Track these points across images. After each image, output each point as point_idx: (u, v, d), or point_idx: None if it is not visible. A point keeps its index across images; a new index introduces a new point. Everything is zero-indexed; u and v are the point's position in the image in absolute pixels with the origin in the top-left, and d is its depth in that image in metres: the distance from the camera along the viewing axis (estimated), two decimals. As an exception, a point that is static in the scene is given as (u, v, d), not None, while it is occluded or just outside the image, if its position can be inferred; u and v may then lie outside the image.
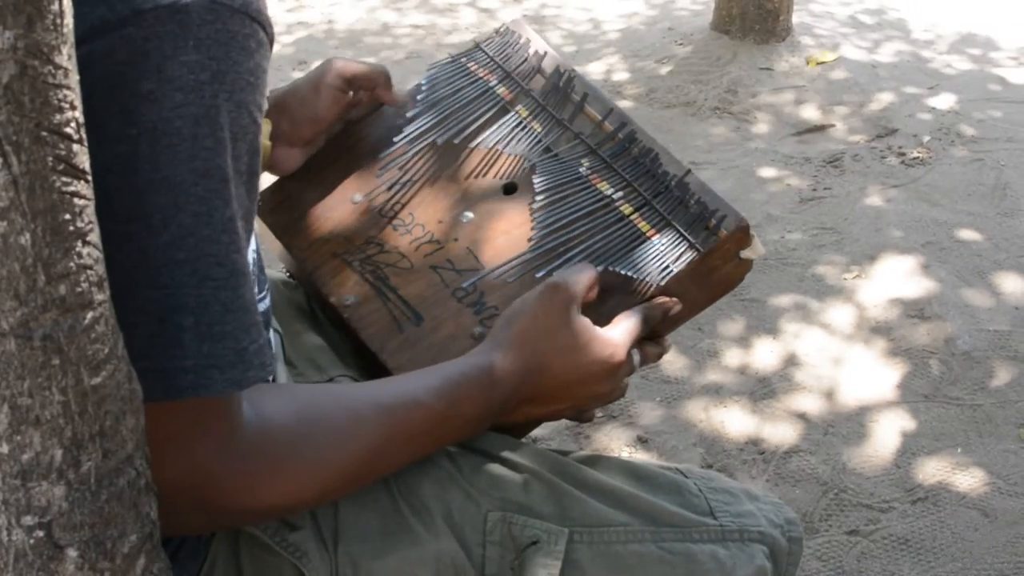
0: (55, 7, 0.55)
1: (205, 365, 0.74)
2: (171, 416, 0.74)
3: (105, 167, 0.70)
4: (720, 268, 1.10)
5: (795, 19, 4.30)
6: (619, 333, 1.01)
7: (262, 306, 0.98)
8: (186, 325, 0.73)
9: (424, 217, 1.17)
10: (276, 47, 4.53)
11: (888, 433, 2.23)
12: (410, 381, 0.94)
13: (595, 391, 1.02)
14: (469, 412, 0.94)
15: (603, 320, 1.03)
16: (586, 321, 1.00)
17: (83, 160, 0.59)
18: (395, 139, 1.22)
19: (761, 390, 2.36)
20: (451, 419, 0.93)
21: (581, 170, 1.15)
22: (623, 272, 1.07)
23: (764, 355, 2.48)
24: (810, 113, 3.76)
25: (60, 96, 0.57)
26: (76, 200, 0.59)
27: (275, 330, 1.09)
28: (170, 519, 0.75)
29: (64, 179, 0.58)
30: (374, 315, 1.11)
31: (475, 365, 0.96)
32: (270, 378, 1.00)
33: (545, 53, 1.26)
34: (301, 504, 0.86)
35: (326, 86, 1.19)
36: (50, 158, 0.56)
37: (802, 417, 2.28)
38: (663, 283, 1.06)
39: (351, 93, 1.22)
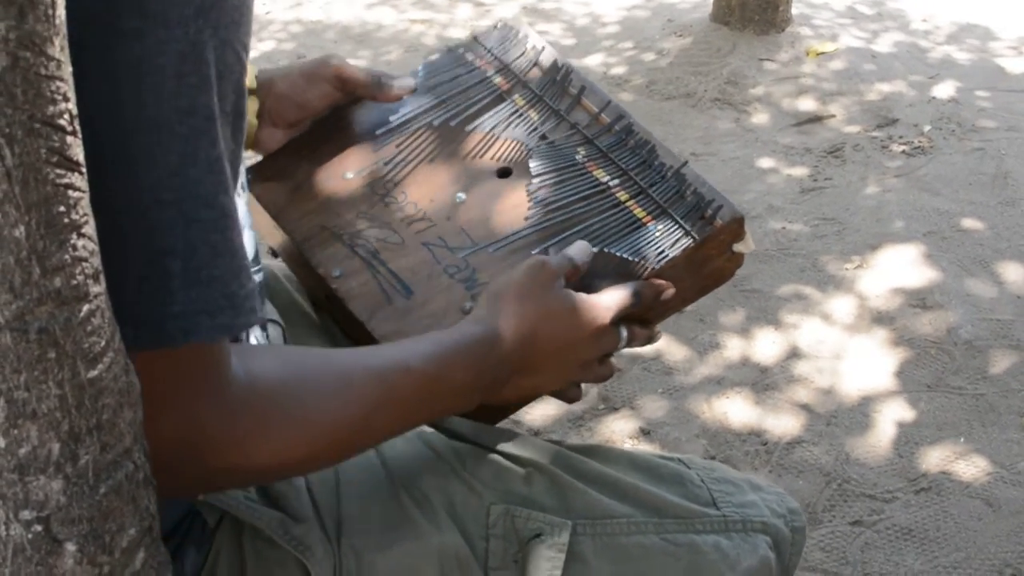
0: (47, -3, 0.54)
1: (194, 311, 0.71)
2: (160, 366, 0.71)
3: (89, 109, 0.66)
4: (713, 259, 1.10)
5: (794, 10, 4.30)
6: (605, 299, 1.01)
7: (257, 277, 0.97)
8: (174, 270, 0.71)
9: (417, 196, 1.17)
10: (274, 43, 4.53)
11: (891, 423, 2.23)
12: (402, 347, 0.92)
13: (581, 357, 1.00)
14: (461, 380, 0.92)
15: None
16: (570, 291, 0.99)
17: (77, 152, 0.59)
18: (391, 118, 1.22)
19: (763, 381, 2.36)
20: (443, 387, 0.91)
21: (577, 158, 1.15)
22: (619, 254, 1.07)
23: (766, 346, 2.48)
24: (810, 104, 3.76)
25: (53, 88, 0.56)
26: (70, 192, 0.58)
27: (277, 323, 1.09)
28: (159, 478, 0.73)
29: (58, 171, 0.57)
30: (363, 287, 1.10)
31: (467, 334, 0.94)
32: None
33: (543, 48, 1.26)
34: (290, 465, 0.83)
35: (320, 79, 1.19)
36: (43, 150, 0.56)
37: (804, 408, 2.28)
38: (659, 266, 1.06)
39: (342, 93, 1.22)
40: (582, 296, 0.99)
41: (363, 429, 0.86)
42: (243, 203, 0.91)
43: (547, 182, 1.14)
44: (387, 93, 1.22)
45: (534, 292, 0.97)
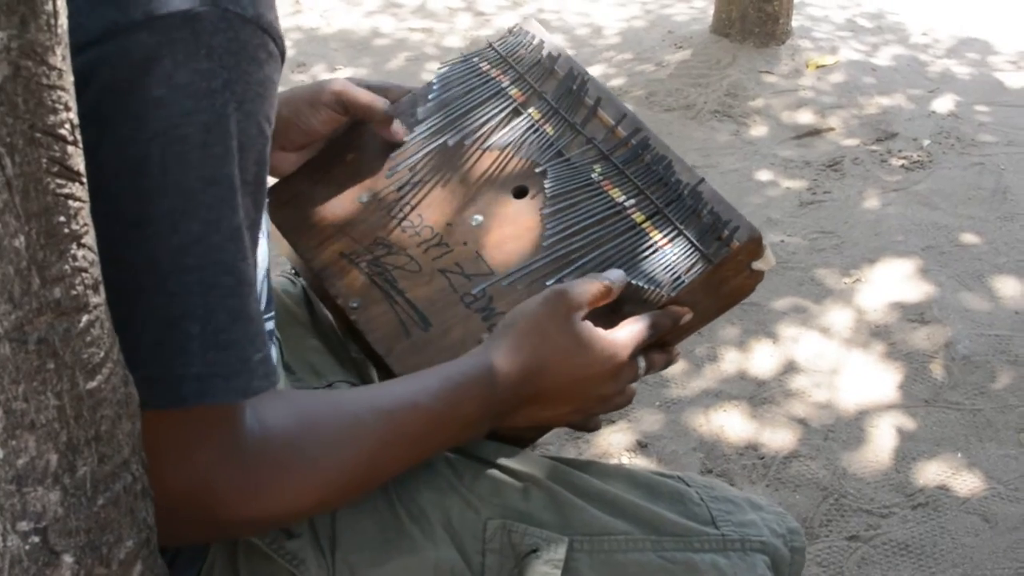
0: (49, 7, 0.54)
1: (210, 373, 0.74)
2: (174, 424, 0.73)
3: (114, 171, 0.70)
4: (731, 279, 1.09)
5: (794, 23, 4.30)
6: (623, 335, 1.00)
7: (269, 325, 0.97)
8: (193, 332, 0.73)
9: (433, 219, 1.15)
10: (274, 50, 4.52)
11: (888, 438, 2.23)
12: (408, 383, 0.93)
13: (599, 393, 1.00)
14: (470, 412, 0.93)
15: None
16: (588, 324, 0.98)
17: (77, 162, 0.59)
18: (405, 139, 1.21)
19: (761, 394, 2.36)
20: (452, 420, 0.92)
21: (593, 176, 1.14)
22: (634, 282, 1.05)
23: (763, 359, 2.48)
24: (809, 117, 3.76)
25: (54, 97, 0.56)
26: (71, 202, 0.58)
27: (275, 336, 1.09)
28: (170, 530, 0.74)
29: (58, 181, 0.57)
30: (381, 318, 1.10)
31: (475, 365, 0.95)
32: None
33: (559, 55, 1.24)
34: (302, 512, 0.85)
35: (322, 104, 1.18)
36: (44, 160, 0.56)
37: (802, 422, 2.28)
38: (674, 293, 1.05)
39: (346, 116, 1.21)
40: (600, 333, 0.99)
41: (373, 469, 0.88)
42: (265, 243, 0.92)
43: (561, 204, 1.13)
44: (382, 128, 1.21)
45: (550, 325, 0.97)
